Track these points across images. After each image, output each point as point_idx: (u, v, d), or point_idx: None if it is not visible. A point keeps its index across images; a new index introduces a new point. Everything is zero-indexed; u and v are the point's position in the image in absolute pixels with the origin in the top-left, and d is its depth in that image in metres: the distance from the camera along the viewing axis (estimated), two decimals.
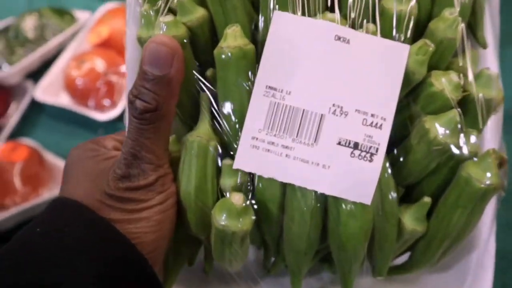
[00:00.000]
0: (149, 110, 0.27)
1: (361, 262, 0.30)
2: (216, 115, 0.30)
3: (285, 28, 0.28)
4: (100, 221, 0.28)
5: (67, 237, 0.27)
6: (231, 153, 0.30)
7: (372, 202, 0.27)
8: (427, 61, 0.28)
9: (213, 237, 0.29)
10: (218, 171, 0.30)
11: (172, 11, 0.30)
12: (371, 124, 0.27)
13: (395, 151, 0.29)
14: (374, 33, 0.28)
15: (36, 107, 0.98)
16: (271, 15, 0.28)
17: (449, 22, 0.28)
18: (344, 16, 0.29)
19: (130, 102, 0.28)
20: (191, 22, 0.30)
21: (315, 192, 0.28)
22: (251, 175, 0.29)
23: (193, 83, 0.31)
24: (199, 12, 0.30)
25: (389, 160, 0.29)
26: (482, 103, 0.28)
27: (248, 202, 0.28)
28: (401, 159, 0.29)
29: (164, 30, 0.29)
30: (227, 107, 0.29)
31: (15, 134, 0.96)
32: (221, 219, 0.27)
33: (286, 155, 0.28)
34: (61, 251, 0.27)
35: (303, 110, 0.28)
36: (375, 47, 0.28)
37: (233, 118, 0.29)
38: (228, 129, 0.29)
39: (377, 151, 0.27)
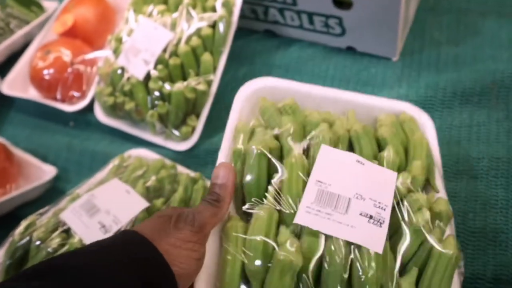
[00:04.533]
0: (215, 200, 0.43)
1: None
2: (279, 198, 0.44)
3: (328, 153, 0.46)
4: (152, 247, 0.39)
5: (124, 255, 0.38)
6: (284, 225, 0.43)
7: (383, 253, 0.40)
8: (409, 183, 0.45)
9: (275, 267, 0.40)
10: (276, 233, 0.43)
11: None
12: (379, 207, 0.43)
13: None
14: (376, 163, 0.46)
15: (3, 102, 0.95)
16: (320, 147, 0.46)
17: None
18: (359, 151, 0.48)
19: (209, 194, 0.45)
20: (269, 147, 0.46)
21: (346, 242, 0.40)
22: (297, 236, 0.42)
23: (265, 176, 0.46)
24: (276, 144, 0.47)
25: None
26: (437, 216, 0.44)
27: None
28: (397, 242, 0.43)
29: (255, 152, 0.46)
30: (290, 191, 0.44)
31: None
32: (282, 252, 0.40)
33: (328, 218, 0.42)
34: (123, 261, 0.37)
35: (338, 195, 0.43)
36: (377, 169, 0.45)
37: (291, 200, 0.43)
38: (290, 204, 0.43)
39: (384, 222, 0.42)
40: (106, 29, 0.95)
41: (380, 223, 0.41)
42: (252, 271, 0.41)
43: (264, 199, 0.44)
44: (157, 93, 0.73)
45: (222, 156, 0.49)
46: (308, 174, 0.44)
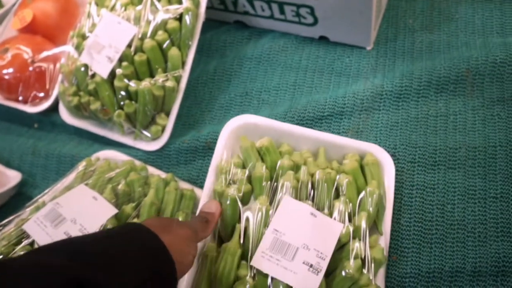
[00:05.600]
0: (204, 220, 0.53)
1: None
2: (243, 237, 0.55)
3: (288, 204, 0.55)
4: (158, 239, 0.43)
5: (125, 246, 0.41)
6: (246, 261, 0.54)
7: None
8: (351, 234, 0.54)
9: None
10: (238, 266, 0.54)
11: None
12: (320, 257, 0.51)
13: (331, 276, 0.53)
14: (327, 215, 0.55)
15: None
16: (282, 199, 0.56)
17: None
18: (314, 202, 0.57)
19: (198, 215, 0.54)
20: (242, 191, 0.57)
21: (287, 284, 0.50)
22: (253, 273, 0.52)
23: (236, 216, 0.57)
24: (248, 187, 0.58)
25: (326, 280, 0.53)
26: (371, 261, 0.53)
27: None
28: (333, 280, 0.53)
29: (229, 197, 0.57)
30: (252, 236, 0.54)
31: None
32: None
33: (277, 264, 0.51)
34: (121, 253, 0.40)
35: (289, 244, 0.52)
36: (326, 222, 0.54)
37: (252, 242, 0.54)
38: (251, 247, 0.54)
39: (321, 270, 0.51)
40: (69, 24, 0.90)
41: (318, 272, 0.51)
42: None
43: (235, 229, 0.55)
44: (123, 92, 0.70)
45: (206, 191, 0.59)
46: (269, 215, 0.54)
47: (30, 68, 0.83)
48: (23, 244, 0.57)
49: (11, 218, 0.63)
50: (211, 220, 0.53)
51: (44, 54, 0.84)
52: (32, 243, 0.57)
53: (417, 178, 0.63)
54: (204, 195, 0.59)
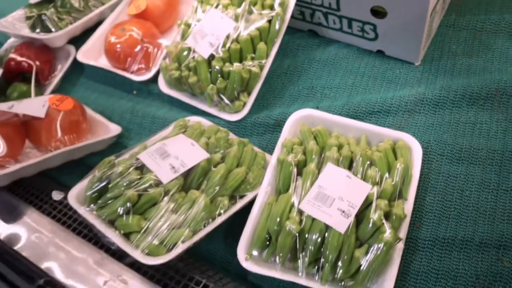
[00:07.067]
0: None
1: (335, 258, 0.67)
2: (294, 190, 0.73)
3: (330, 168, 0.72)
4: None
5: None
6: (296, 207, 0.70)
7: (345, 233, 0.67)
8: (375, 194, 0.69)
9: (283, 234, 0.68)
10: (289, 210, 0.70)
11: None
12: (350, 206, 0.67)
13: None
14: (359, 178, 0.71)
15: (77, 69, 1.11)
16: (326, 165, 0.73)
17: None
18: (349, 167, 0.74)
19: None
20: (298, 160, 0.75)
21: (324, 223, 0.67)
22: (300, 214, 0.69)
23: (291, 177, 0.74)
24: (302, 157, 0.76)
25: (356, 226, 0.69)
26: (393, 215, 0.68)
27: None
28: (361, 226, 0.68)
29: (288, 162, 0.75)
30: (301, 191, 0.71)
31: (58, 92, 1.09)
32: (288, 226, 0.68)
33: (318, 209, 0.67)
34: None
35: (328, 196, 0.68)
36: (358, 182, 0.70)
37: (301, 195, 0.71)
38: (299, 198, 0.70)
39: (351, 215, 0.67)
40: (171, 15, 1.10)
41: (348, 216, 0.67)
42: (272, 230, 0.69)
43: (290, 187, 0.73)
44: (217, 67, 0.88)
45: (273, 159, 0.77)
46: (315, 177, 0.71)
47: (139, 47, 1.03)
48: (134, 166, 0.75)
49: (123, 151, 0.81)
50: None
51: (151, 38, 1.04)
52: (141, 167, 0.75)
53: (443, 168, 0.78)
54: (272, 161, 0.76)
